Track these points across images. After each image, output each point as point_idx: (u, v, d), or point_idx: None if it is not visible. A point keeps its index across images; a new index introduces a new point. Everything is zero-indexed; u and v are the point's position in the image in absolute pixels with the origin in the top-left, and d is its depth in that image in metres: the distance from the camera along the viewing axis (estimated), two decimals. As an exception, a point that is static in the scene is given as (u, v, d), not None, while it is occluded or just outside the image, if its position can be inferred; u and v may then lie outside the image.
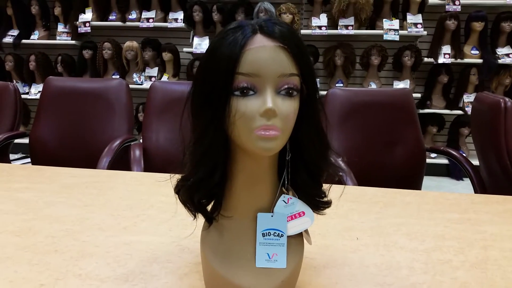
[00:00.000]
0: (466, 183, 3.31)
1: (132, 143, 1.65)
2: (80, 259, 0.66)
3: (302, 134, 0.51)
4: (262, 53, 0.46)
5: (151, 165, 1.61)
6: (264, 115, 0.46)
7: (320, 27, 3.45)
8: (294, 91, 0.48)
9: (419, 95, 3.49)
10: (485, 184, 1.46)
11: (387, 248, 0.73)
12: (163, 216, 0.86)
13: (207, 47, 0.51)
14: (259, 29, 0.47)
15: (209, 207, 0.55)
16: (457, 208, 0.94)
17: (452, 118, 3.55)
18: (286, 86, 0.47)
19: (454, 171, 3.52)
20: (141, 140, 1.71)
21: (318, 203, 0.55)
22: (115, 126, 1.75)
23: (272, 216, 0.54)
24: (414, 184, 1.62)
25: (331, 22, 3.53)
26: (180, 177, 0.54)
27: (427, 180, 1.70)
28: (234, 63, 0.46)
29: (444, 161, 3.48)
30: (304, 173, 0.54)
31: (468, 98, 3.43)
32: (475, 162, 1.57)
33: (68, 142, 1.78)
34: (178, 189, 0.54)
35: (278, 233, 0.54)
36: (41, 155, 1.79)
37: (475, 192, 1.46)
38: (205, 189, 0.52)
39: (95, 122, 1.78)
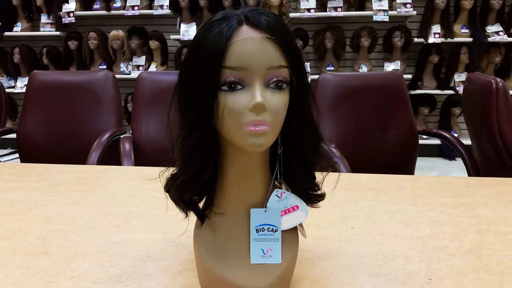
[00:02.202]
0: (459, 163, 3.34)
1: (121, 136, 1.62)
2: (72, 260, 0.65)
3: (293, 127, 0.50)
4: (249, 45, 0.44)
5: (142, 157, 1.59)
6: (254, 110, 0.44)
7: (309, 10, 3.40)
8: (284, 83, 0.46)
9: (410, 76, 3.48)
10: (478, 164, 1.46)
11: (382, 237, 0.72)
12: (155, 212, 0.84)
13: (193, 36, 0.49)
14: (244, 20, 0.45)
15: (200, 204, 0.54)
16: (452, 192, 0.94)
17: (443, 98, 3.56)
18: (275, 79, 0.45)
19: (447, 151, 3.54)
20: (130, 131, 1.68)
21: (312, 197, 0.55)
22: (103, 119, 1.72)
23: (265, 211, 0.53)
24: (408, 167, 1.63)
25: (320, 4, 3.48)
26: (169, 175, 0.53)
27: (420, 161, 1.70)
28: (220, 56, 0.44)
29: (437, 141, 3.50)
30: (297, 167, 0.53)
31: (459, 77, 3.43)
32: (467, 141, 1.57)
33: (56, 137, 1.74)
34: (168, 188, 0.53)
35: (272, 228, 0.53)
36: (29, 151, 1.76)
37: (468, 173, 1.46)
38: (195, 186, 0.51)
39: (83, 116, 1.74)
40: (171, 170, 0.52)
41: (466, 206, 0.85)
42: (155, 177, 0.52)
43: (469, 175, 1.47)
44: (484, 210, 0.83)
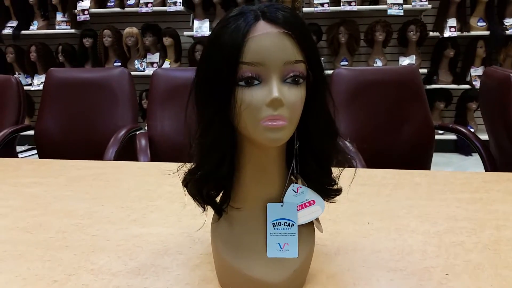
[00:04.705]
0: (475, 159, 3.28)
1: (137, 132, 1.64)
2: (92, 254, 0.66)
3: (309, 122, 0.50)
4: (266, 40, 0.44)
5: (158, 153, 1.60)
6: (271, 105, 0.44)
7: (322, 4, 3.38)
8: (301, 78, 0.46)
9: (425, 70, 3.44)
10: (495, 159, 1.44)
11: (399, 232, 0.72)
12: (172, 206, 0.85)
13: (208, 32, 0.49)
14: (261, 15, 0.46)
15: (218, 199, 0.55)
16: (468, 187, 0.93)
17: (459, 93, 3.50)
18: (292, 74, 0.45)
19: (463, 146, 3.49)
20: (146, 128, 1.70)
21: (328, 191, 0.55)
22: (119, 116, 1.74)
23: (282, 206, 0.53)
24: (424, 162, 1.61)
25: (333, -1, 3.46)
26: (187, 169, 0.53)
27: (435, 157, 1.68)
28: (237, 52, 0.44)
29: (452, 137, 3.44)
30: (313, 162, 0.53)
31: (476, 71, 3.36)
32: (484, 136, 1.54)
33: (73, 133, 1.78)
34: (186, 183, 0.54)
35: (289, 223, 0.54)
36: (47, 147, 1.80)
37: (485, 168, 1.44)
38: (213, 181, 0.52)
39: (99, 112, 1.77)
40: (189, 165, 0.53)
41: (483, 202, 0.84)
42: (172, 172, 0.53)
43: (486, 171, 1.44)
44: (501, 205, 0.82)
